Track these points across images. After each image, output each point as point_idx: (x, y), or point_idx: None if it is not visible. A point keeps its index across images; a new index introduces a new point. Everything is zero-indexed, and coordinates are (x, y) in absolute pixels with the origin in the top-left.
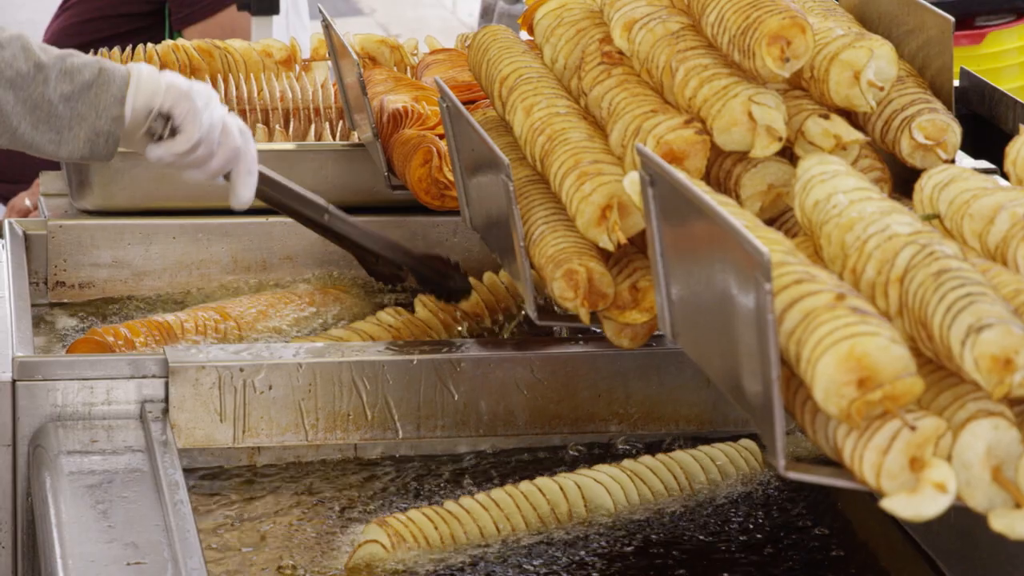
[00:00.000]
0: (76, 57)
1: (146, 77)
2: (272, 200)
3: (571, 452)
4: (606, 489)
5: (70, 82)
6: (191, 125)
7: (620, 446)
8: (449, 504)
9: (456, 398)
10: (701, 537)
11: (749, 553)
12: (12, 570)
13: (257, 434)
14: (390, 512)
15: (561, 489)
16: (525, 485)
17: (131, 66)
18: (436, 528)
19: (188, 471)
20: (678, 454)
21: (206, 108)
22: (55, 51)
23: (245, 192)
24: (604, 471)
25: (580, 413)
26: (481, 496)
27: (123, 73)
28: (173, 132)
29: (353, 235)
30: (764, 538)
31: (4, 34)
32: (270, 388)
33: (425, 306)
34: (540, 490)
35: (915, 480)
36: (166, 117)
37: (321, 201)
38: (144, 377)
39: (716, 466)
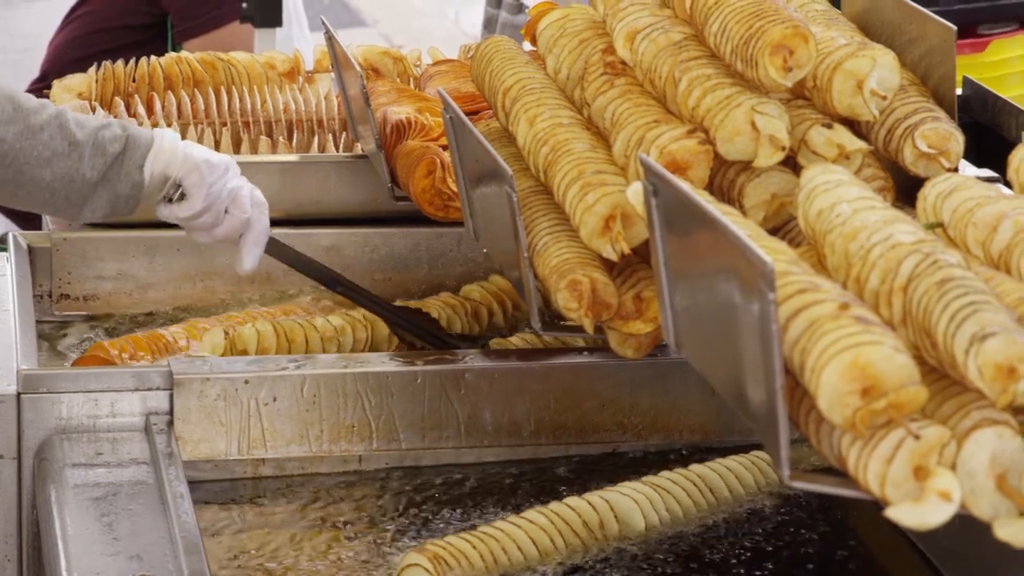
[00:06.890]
0: (108, 129)
1: (167, 145)
2: (288, 264)
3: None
4: (636, 504)
5: (102, 155)
6: (197, 194)
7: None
8: (483, 527)
9: (461, 409)
10: (728, 552)
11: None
12: None
13: (261, 446)
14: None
15: (592, 506)
16: (555, 504)
17: (156, 132)
18: (475, 548)
19: (193, 483)
20: (697, 467)
21: (219, 180)
22: (91, 124)
23: (248, 261)
24: (631, 487)
25: (585, 423)
26: (513, 517)
27: (147, 139)
28: (182, 197)
29: (370, 308)
30: (797, 554)
31: (43, 115)
32: (274, 400)
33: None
34: (572, 508)
35: (919, 489)
36: (178, 184)
37: (334, 273)
38: (149, 389)
39: (737, 478)
